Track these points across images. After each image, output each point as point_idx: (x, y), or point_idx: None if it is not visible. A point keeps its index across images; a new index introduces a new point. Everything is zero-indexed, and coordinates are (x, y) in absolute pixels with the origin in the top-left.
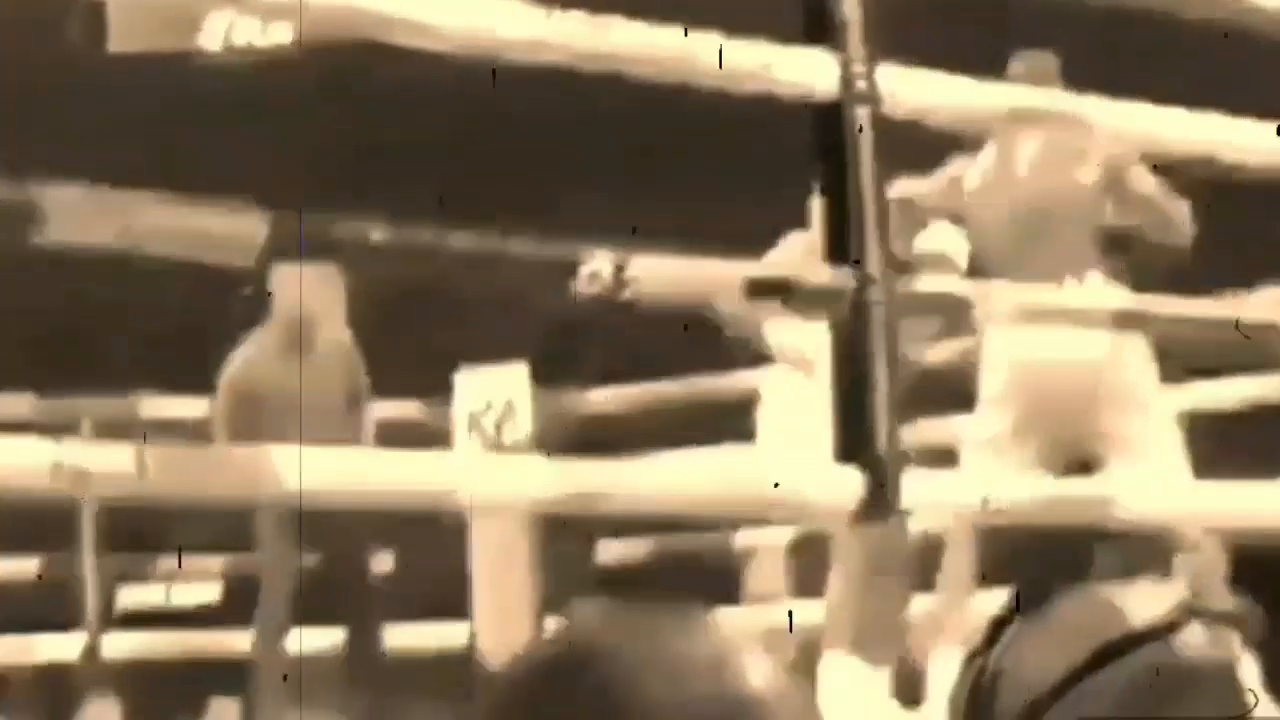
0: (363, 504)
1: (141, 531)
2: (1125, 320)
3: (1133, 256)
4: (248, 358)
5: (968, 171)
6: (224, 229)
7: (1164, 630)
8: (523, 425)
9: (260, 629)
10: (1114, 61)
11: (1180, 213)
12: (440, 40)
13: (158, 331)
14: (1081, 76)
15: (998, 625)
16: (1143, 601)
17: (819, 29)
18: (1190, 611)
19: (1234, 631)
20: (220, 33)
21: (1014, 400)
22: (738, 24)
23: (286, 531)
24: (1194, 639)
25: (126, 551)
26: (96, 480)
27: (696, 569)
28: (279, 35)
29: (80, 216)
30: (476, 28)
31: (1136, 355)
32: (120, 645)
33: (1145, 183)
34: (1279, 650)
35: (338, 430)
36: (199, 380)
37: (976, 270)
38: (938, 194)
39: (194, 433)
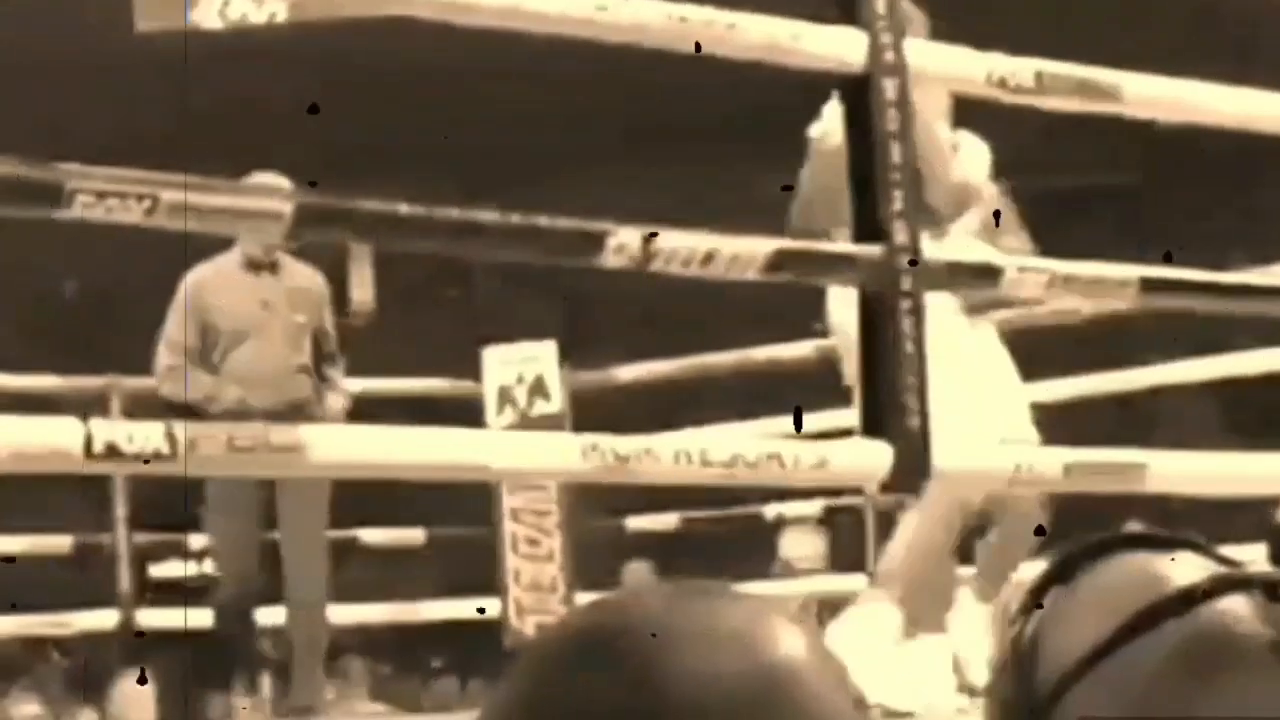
0: (394, 478)
1: (173, 507)
2: (1152, 289)
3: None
4: (215, 260)
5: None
6: (252, 206)
7: (1202, 598)
8: (553, 399)
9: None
10: (1142, 34)
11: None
12: (453, 13)
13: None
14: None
15: (1038, 591)
16: (1184, 568)
17: (846, 3)
18: (1231, 580)
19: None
20: (214, 12)
21: None
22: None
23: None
24: (1235, 608)
25: (159, 528)
26: (128, 458)
27: (727, 541)
28: (274, 10)
29: (108, 195)
30: (504, 3)
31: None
32: (153, 619)
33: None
34: None
35: (293, 360)
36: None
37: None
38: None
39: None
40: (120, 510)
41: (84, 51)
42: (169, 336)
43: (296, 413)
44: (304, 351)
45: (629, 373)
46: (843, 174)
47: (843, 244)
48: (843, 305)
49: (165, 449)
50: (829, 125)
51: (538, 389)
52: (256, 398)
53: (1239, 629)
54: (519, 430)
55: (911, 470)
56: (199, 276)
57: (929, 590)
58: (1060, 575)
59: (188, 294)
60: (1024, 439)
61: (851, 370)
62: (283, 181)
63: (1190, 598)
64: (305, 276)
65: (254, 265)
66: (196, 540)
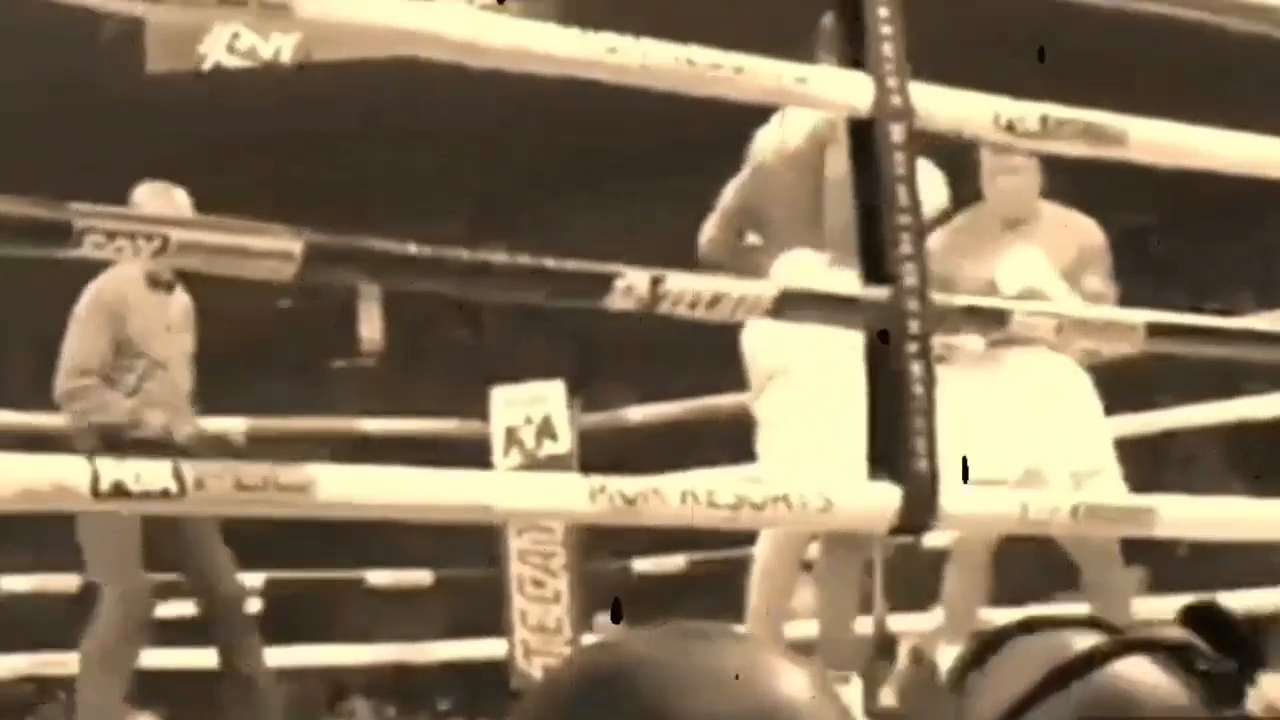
0: (401, 518)
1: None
2: (1159, 334)
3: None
4: (122, 274)
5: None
6: (260, 246)
7: (1102, 660)
8: (560, 440)
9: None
10: (1146, 77)
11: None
12: (463, 55)
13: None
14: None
15: (958, 676)
16: (1086, 639)
17: (855, 47)
18: (1131, 643)
19: (1177, 661)
20: (223, 46)
21: None
22: (775, 42)
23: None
24: (1135, 669)
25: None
26: (135, 497)
27: (734, 583)
28: (282, 48)
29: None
30: (514, 45)
31: None
32: (157, 659)
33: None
34: (1222, 682)
35: (189, 387)
36: (235, 397)
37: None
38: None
39: (231, 449)
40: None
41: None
42: (82, 352)
43: (201, 445)
44: (190, 379)
45: (637, 414)
46: (779, 186)
47: (849, 285)
48: (759, 332)
49: (173, 488)
50: (768, 138)
51: (545, 430)
52: (174, 426)
53: (1138, 688)
54: (526, 471)
55: (919, 513)
56: (116, 288)
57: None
58: (975, 660)
59: (106, 305)
60: (1095, 470)
61: (759, 403)
62: (179, 194)
63: (1092, 660)
64: (185, 298)
65: (156, 283)
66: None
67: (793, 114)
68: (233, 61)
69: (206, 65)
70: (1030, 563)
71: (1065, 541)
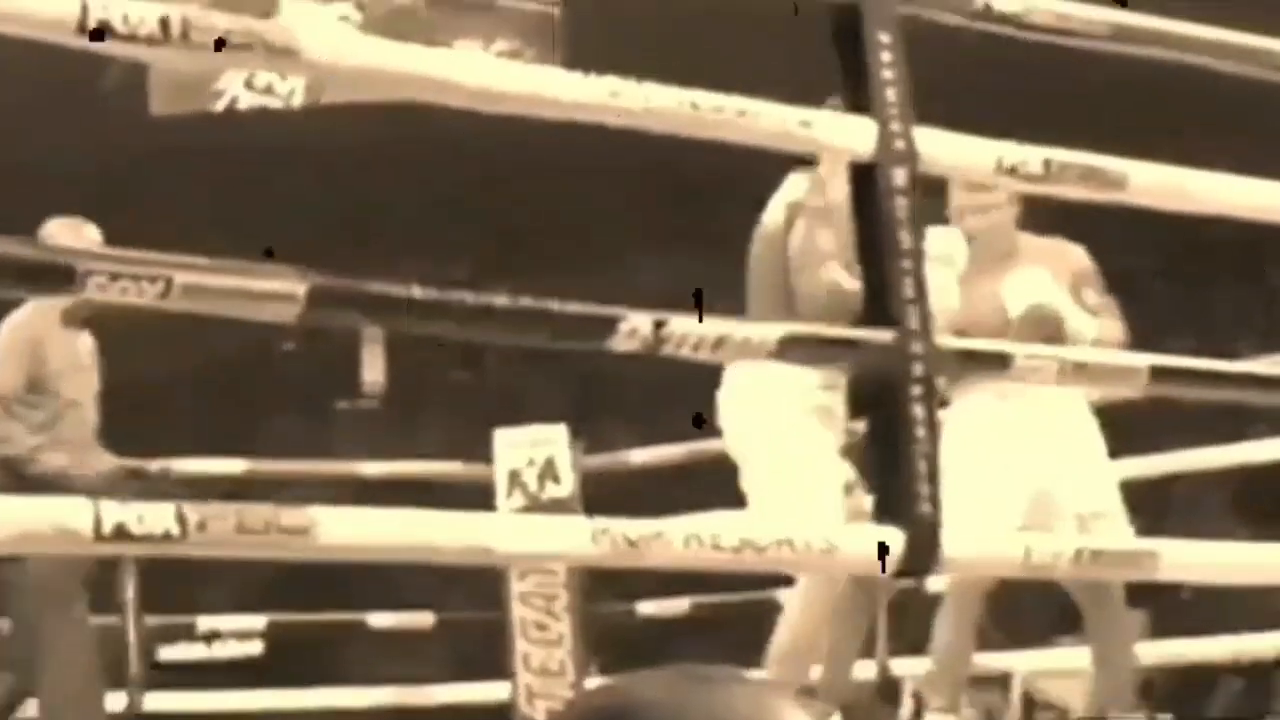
0: (404, 560)
1: (183, 587)
2: (1162, 378)
3: None
4: (41, 310)
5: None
6: (264, 288)
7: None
8: (563, 483)
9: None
10: (1147, 118)
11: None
12: (469, 99)
13: (195, 390)
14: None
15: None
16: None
17: (858, 91)
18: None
19: None
20: (235, 89)
21: None
22: (778, 85)
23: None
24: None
25: (167, 609)
26: (137, 539)
27: (737, 626)
28: (291, 95)
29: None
30: (517, 89)
31: None
32: (161, 703)
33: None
34: None
35: (92, 417)
36: (235, 439)
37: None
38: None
39: (231, 491)
40: (129, 592)
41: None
42: None
43: (110, 485)
44: (97, 416)
45: (640, 456)
46: (755, 269)
47: (854, 329)
48: (743, 404)
49: (175, 530)
50: (772, 215)
51: (548, 472)
52: (79, 467)
53: None
54: (529, 514)
55: (921, 556)
56: (35, 324)
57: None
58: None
59: (26, 340)
60: (1100, 513)
61: (749, 475)
62: (90, 229)
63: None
64: (90, 338)
65: (70, 320)
66: (206, 623)
67: (775, 197)
68: (249, 100)
69: (221, 104)
70: (1033, 604)
71: (1068, 583)
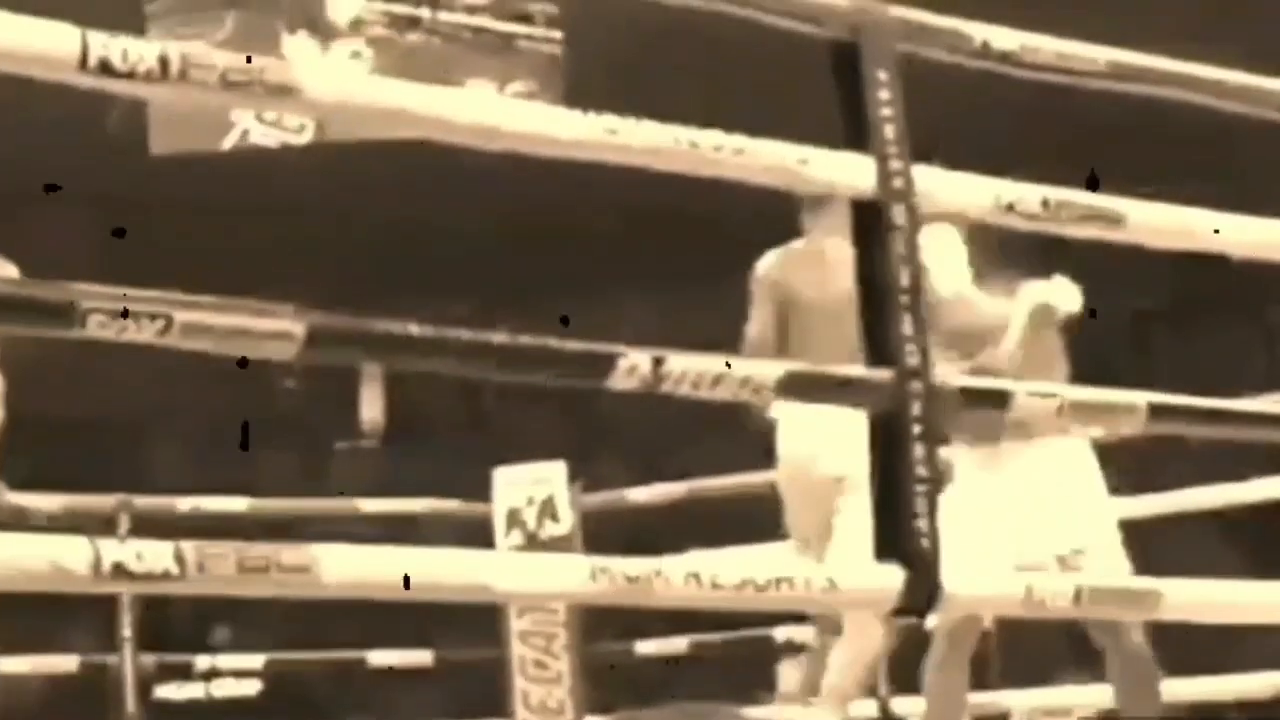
0: (402, 599)
1: (181, 626)
2: (1162, 415)
3: None
4: None
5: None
6: (263, 327)
7: None
8: (563, 521)
9: None
10: (1146, 157)
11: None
12: (466, 137)
13: (195, 428)
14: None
15: None
16: None
17: (856, 128)
18: None
19: None
20: (242, 128)
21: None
22: (776, 123)
23: None
24: None
25: (165, 648)
26: (136, 578)
27: (737, 665)
28: (300, 130)
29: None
30: (515, 128)
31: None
32: None
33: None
34: None
35: None
36: (236, 477)
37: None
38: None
39: (232, 529)
40: (126, 631)
41: None
42: None
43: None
44: None
45: (640, 495)
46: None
47: (853, 367)
48: (795, 437)
49: (174, 569)
50: (770, 264)
51: (547, 510)
52: None
53: None
54: (528, 552)
55: (921, 594)
56: None
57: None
58: None
59: None
60: (1080, 549)
61: (794, 510)
62: (10, 268)
63: None
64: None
65: None
66: (203, 662)
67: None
68: (254, 140)
69: (230, 141)
70: (1032, 642)
71: (1085, 622)
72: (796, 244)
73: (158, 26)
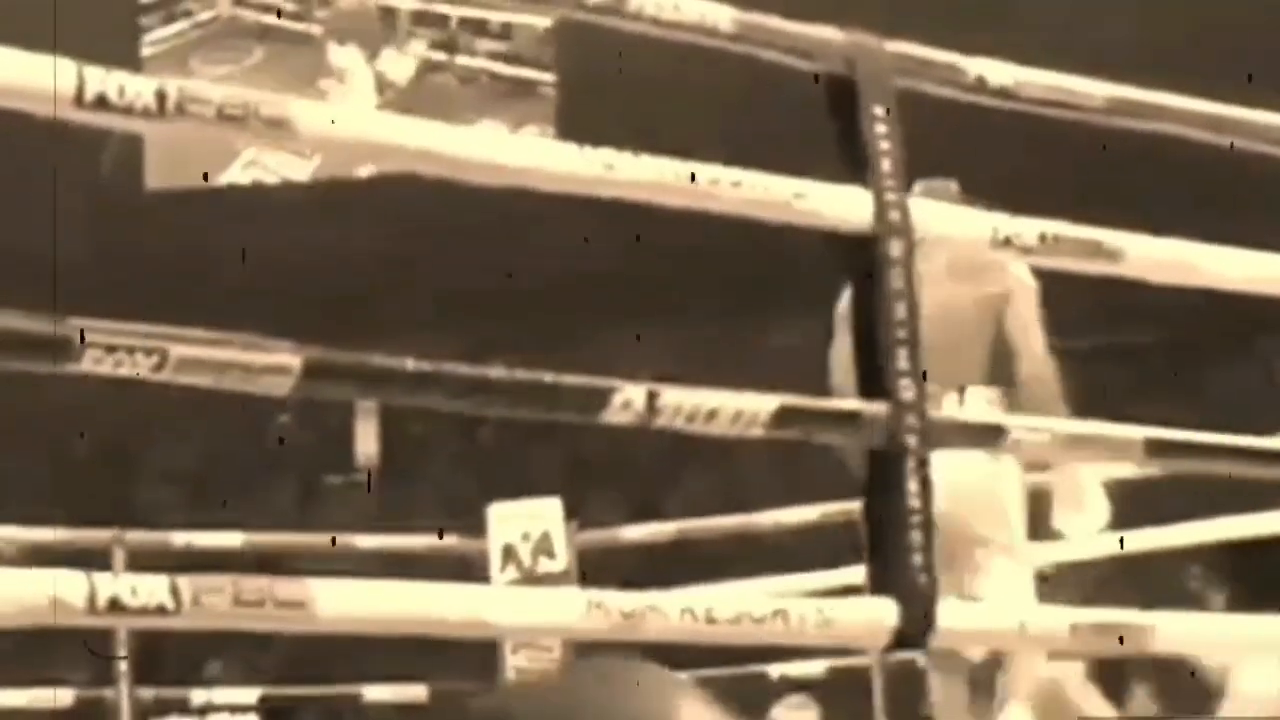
0: (399, 634)
1: (177, 661)
2: (1157, 451)
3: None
4: None
5: None
6: (258, 361)
7: None
8: (558, 558)
9: None
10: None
11: (1041, 361)
12: (463, 171)
13: (190, 463)
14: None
15: None
16: None
17: (853, 162)
18: None
19: None
20: (243, 165)
21: None
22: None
23: None
24: None
25: (161, 682)
26: (131, 612)
27: (731, 702)
28: (301, 167)
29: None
30: (511, 162)
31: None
32: None
33: (1025, 323)
34: None
35: None
36: (232, 512)
37: None
38: None
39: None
40: (123, 664)
41: None
42: None
43: None
44: None
45: (635, 532)
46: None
47: (848, 401)
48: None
49: (169, 603)
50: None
51: (543, 547)
52: None
53: None
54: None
55: (916, 629)
56: None
57: None
58: None
59: None
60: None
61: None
62: None
63: None
64: None
65: None
66: (199, 696)
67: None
68: (251, 177)
69: (224, 180)
70: None
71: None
72: None
73: (184, 58)
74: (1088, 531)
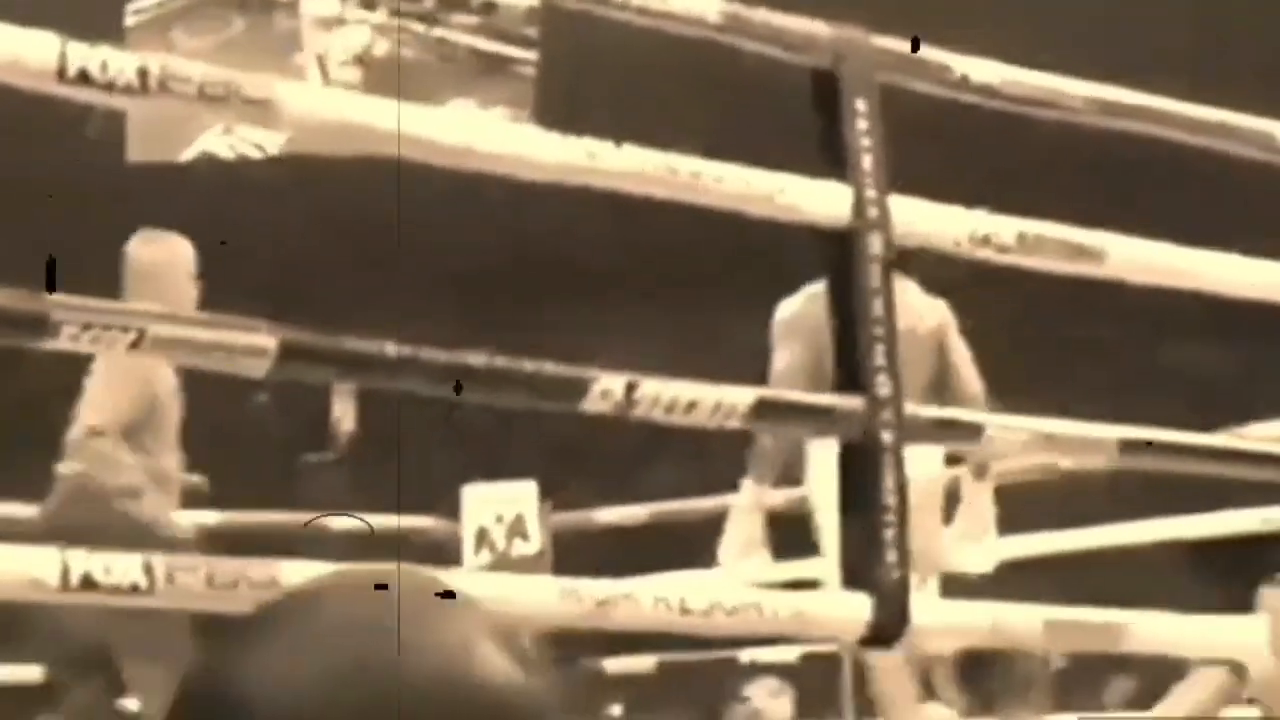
0: None
1: None
2: (1130, 450)
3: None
4: None
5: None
6: (236, 342)
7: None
8: (532, 540)
9: None
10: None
11: (974, 387)
12: (445, 157)
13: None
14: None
15: None
16: None
17: (835, 157)
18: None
19: None
20: (209, 142)
21: None
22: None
23: None
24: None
25: None
26: (104, 590)
27: (702, 684)
28: (269, 145)
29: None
30: (495, 149)
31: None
32: None
33: (959, 350)
34: None
35: None
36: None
37: None
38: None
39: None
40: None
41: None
42: None
43: None
44: None
45: (608, 515)
46: (810, 356)
47: (825, 395)
48: (823, 462)
49: (142, 582)
50: (795, 308)
51: (517, 529)
52: None
53: None
54: (497, 571)
55: (890, 624)
56: None
57: None
58: None
59: None
60: None
61: (823, 523)
62: (184, 245)
63: None
64: None
65: None
66: None
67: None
68: (223, 150)
69: (192, 153)
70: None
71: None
72: (814, 287)
73: (158, 27)
74: (978, 567)
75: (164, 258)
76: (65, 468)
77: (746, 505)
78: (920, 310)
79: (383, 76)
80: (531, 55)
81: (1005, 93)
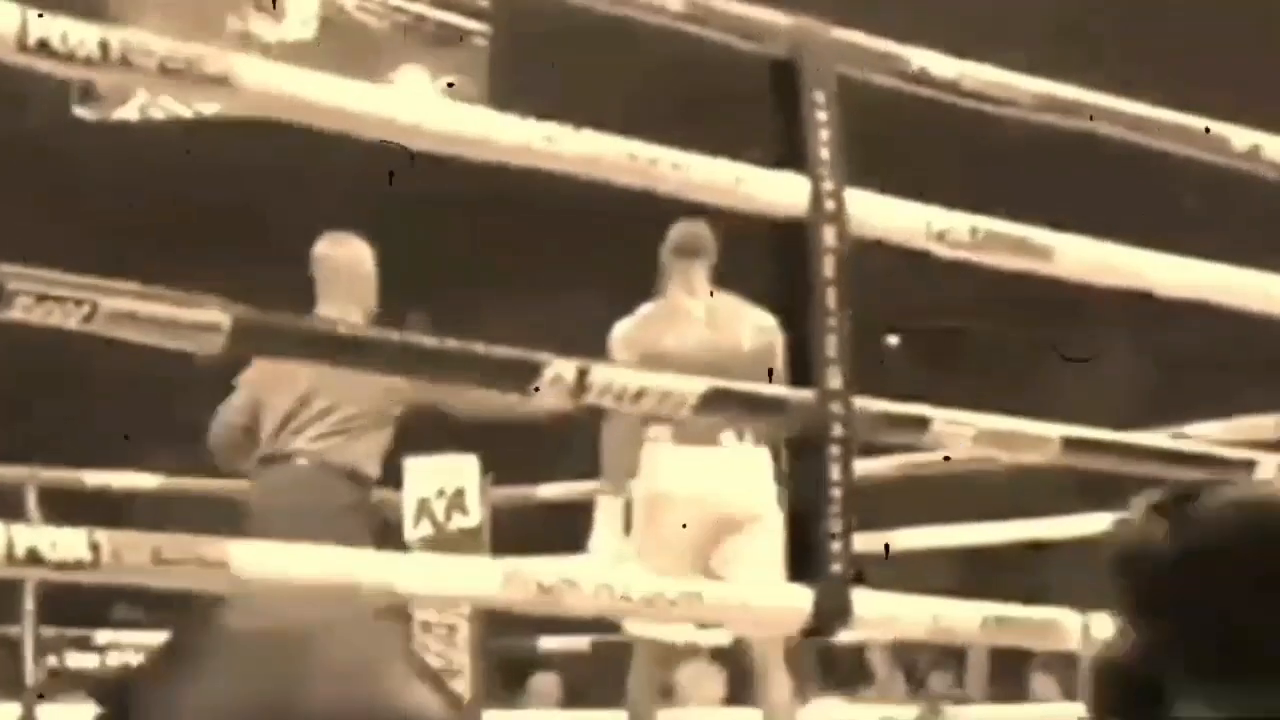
0: (309, 595)
1: (85, 602)
2: (1075, 448)
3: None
4: None
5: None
6: (189, 318)
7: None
8: (472, 514)
9: None
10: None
11: None
12: (400, 135)
13: (110, 402)
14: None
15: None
16: None
17: (792, 147)
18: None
19: None
20: (142, 103)
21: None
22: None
23: None
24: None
25: (68, 623)
26: (49, 565)
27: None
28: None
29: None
30: (450, 129)
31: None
32: (56, 716)
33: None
34: None
35: None
36: (151, 453)
37: None
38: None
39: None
40: (29, 603)
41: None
42: None
43: None
44: None
45: (549, 491)
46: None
47: (777, 387)
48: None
49: (87, 557)
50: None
51: (457, 503)
52: None
53: None
54: (436, 543)
55: (832, 616)
56: None
57: None
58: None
59: None
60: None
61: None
62: (360, 246)
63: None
64: None
65: None
66: (103, 636)
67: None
68: (160, 110)
69: (132, 113)
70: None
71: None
72: (647, 306)
73: None
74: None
75: (352, 257)
76: None
77: (611, 506)
78: (755, 325)
79: (335, 44)
80: (485, 27)
81: (963, 87)
